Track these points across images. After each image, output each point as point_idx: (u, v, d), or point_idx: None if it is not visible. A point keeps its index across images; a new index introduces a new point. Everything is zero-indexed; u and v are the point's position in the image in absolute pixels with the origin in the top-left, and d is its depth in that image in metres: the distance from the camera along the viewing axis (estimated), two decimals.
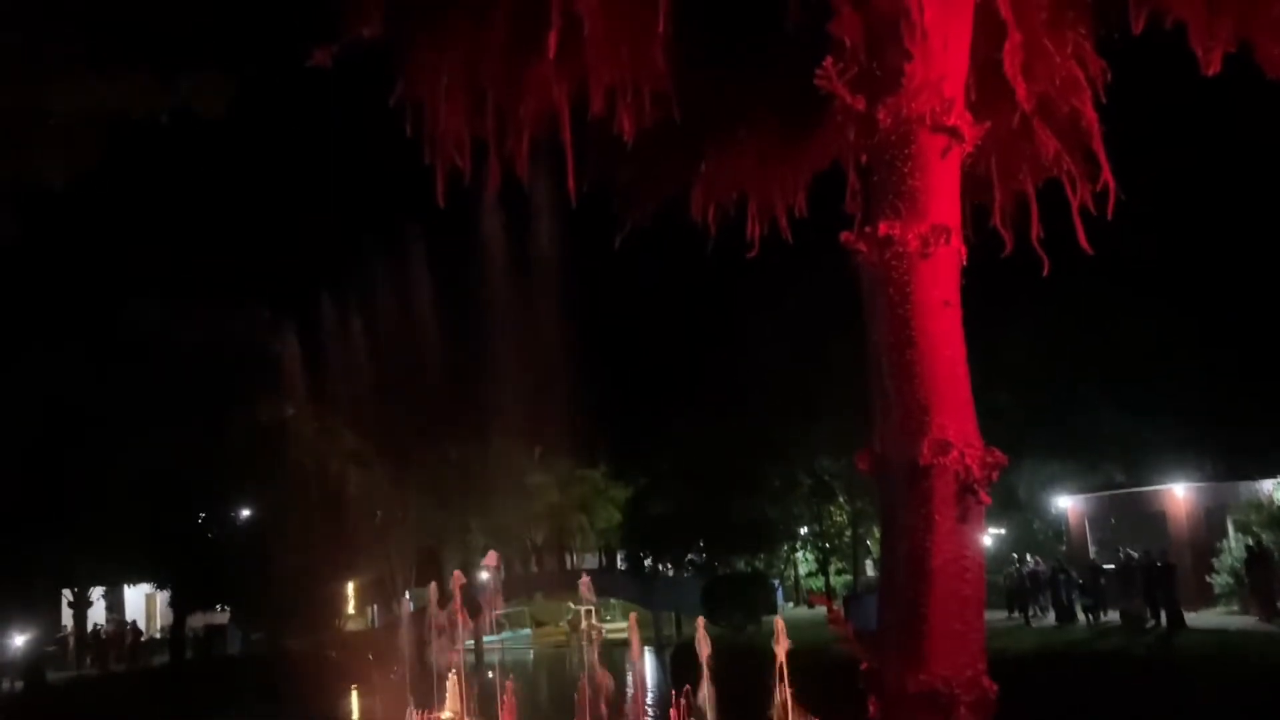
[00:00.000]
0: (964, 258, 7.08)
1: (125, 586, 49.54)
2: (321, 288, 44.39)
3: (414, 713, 24.68)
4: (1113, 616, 27.53)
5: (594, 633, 19.85)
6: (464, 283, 46.13)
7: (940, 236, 6.78)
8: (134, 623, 46.95)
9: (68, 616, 45.24)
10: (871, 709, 7.26)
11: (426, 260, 45.81)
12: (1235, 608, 27.36)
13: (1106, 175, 8.29)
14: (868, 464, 7.39)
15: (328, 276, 44.61)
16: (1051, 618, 29.74)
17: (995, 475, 6.88)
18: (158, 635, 47.91)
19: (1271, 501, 28.69)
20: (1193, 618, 25.83)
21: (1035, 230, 9.00)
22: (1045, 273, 9.01)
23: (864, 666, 7.34)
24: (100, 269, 38.19)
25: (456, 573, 27.12)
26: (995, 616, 28.48)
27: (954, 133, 7.00)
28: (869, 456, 7.40)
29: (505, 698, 23.36)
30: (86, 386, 37.06)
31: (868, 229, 6.90)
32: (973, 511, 6.88)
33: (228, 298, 40.23)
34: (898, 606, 7.12)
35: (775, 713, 15.36)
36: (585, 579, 25.23)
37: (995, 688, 7.03)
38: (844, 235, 7.05)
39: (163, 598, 48.39)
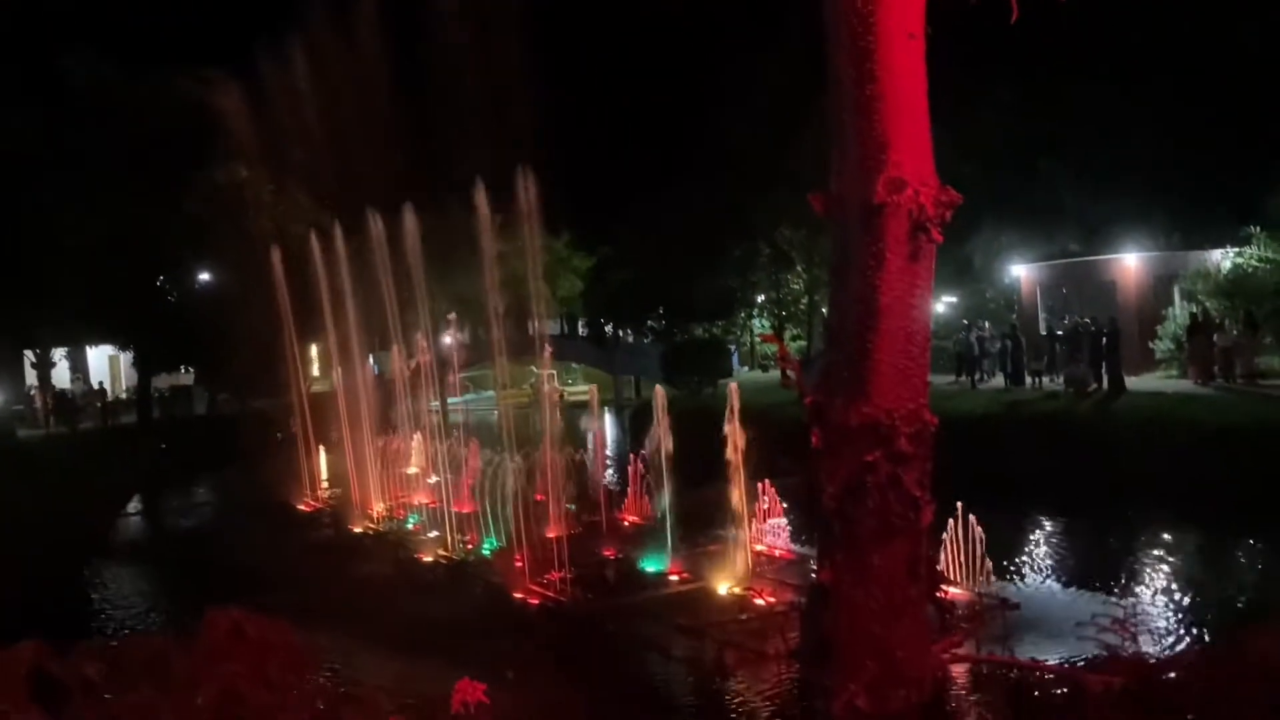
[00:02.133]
0: None
1: (88, 348, 49.74)
2: (272, 46, 42.52)
3: (381, 468, 25.42)
4: (1059, 382, 28.40)
5: (556, 395, 20.42)
6: (422, 41, 44.36)
7: None
8: (100, 384, 47.43)
9: (32, 377, 45.59)
10: (814, 441, 7.45)
11: (380, 17, 43.82)
12: (1174, 372, 28.40)
13: None
14: (822, 205, 7.34)
15: (277, 34, 42.61)
16: (998, 381, 30.58)
17: (949, 215, 6.84)
18: (123, 396, 48.48)
19: (1219, 271, 29.31)
20: (1133, 381, 26.80)
21: None
22: (1014, 18, 8.74)
23: (808, 401, 7.48)
24: (47, 24, 36.53)
25: (420, 335, 27.38)
26: (943, 380, 29.32)
27: None
28: (824, 198, 7.33)
29: (469, 455, 24.12)
30: (41, 147, 36.02)
31: None
32: (924, 250, 6.86)
33: (177, 56, 38.81)
34: (845, 343, 7.21)
35: (727, 464, 16.14)
36: (548, 350, 25.61)
37: (935, 420, 7.24)
38: None
39: (126, 359, 48.72)
